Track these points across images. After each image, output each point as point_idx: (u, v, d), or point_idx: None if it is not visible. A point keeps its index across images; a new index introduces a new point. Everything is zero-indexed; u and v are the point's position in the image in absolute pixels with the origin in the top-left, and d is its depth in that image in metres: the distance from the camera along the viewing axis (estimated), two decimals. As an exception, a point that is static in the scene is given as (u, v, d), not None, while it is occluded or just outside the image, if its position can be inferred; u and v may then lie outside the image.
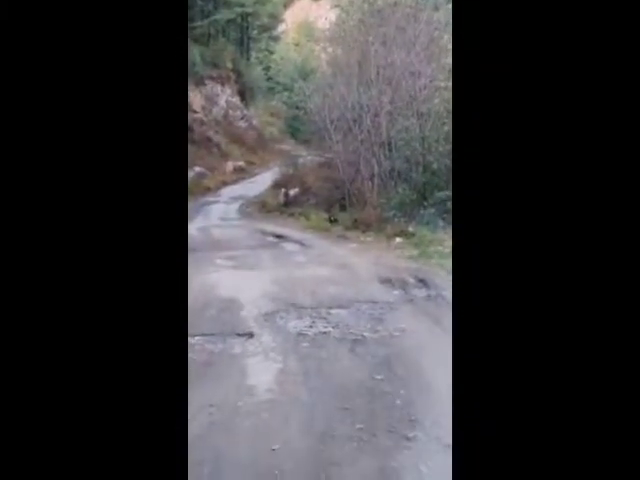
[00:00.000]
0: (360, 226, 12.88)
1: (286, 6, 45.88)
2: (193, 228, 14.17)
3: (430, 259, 8.66)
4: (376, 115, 15.75)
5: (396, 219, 12.39)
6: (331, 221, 14.76)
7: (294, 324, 5.79)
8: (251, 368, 4.57)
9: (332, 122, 16.28)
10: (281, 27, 36.41)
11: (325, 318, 5.95)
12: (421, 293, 6.91)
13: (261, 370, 4.50)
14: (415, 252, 9.52)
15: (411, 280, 7.58)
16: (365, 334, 5.31)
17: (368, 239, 11.59)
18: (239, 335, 5.43)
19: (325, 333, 5.42)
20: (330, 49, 20.80)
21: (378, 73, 15.77)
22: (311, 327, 5.67)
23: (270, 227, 14.67)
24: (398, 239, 10.75)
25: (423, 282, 7.39)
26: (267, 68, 35.45)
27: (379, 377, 4.33)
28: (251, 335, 5.41)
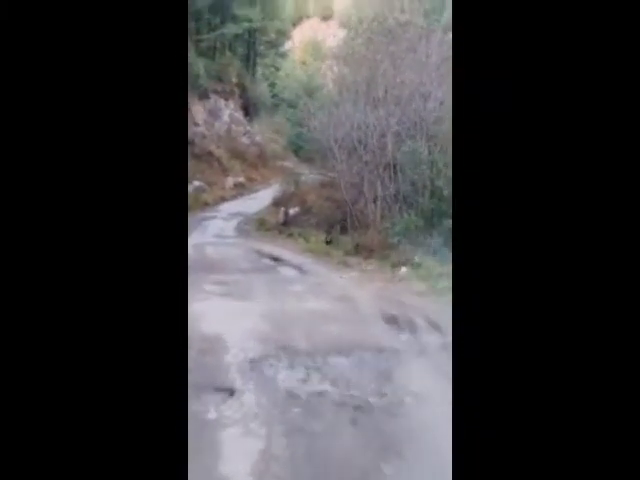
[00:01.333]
0: (362, 251, 11.87)
1: (295, 24, 45.31)
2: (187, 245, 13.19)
3: (440, 297, 7.63)
4: (382, 136, 14.80)
5: (401, 246, 11.37)
6: (327, 242, 13.78)
7: (284, 376, 4.76)
8: (226, 447, 3.53)
9: (336, 141, 15.33)
10: (288, 44, 35.71)
11: (321, 370, 4.92)
12: (434, 340, 5.87)
13: (238, 451, 3.46)
14: (423, 286, 8.50)
15: (421, 322, 6.55)
16: (370, 399, 4.27)
17: (370, 267, 10.57)
18: (217, 390, 4.40)
19: (321, 394, 4.38)
20: (337, 67, 19.95)
21: (386, 92, 14.86)
22: (305, 382, 4.63)
23: (267, 248, 13.66)
24: (403, 269, 9.73)
25: (435, 326, 6.36)
26: (272, 85, 34.63)
27: (387, 469, 3.29)
28: (232, 392, 4.37)
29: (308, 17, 49.34)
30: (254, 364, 5.01)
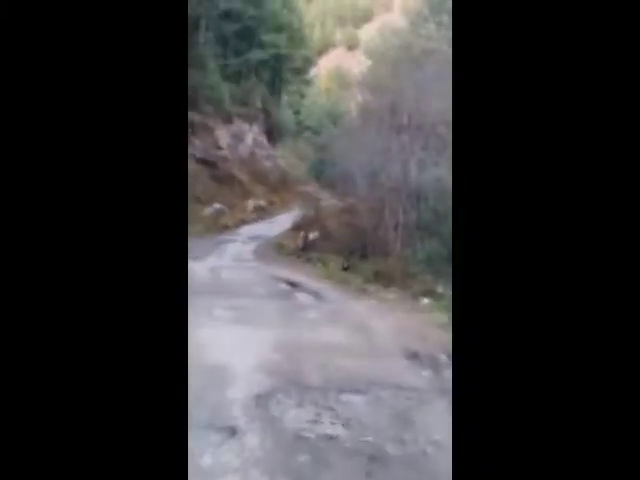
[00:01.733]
0: (382, 279, 11.37)
1: (320, 53, 45.53)
2: (204, 268, 12.81)
3: (465, 330, 7.08)
4: (405, 162, 14.41)
5: (422, 275, 10.87)
6: (345, 269, 13.31)
7: (293, 415, 4.26)
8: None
9: (358, 166, 14.96)
10: (314, 71, 35.70)
11: (334, 409, 4.41)
12: (457, 379, 5.33)
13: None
14: (445, 319, 7.95)
15: (444, 358, 6.01)
16: (387, 448, 3.75)
17: (390, 296, 10.06)
18: (217, 430, 3.92)
19: (333, 438, 3.87)
20: (361, 95, 19.72)
21: (410, 119, 14.48)
22: (315, 423, 4.14)
23: (285, 273, 13.22)
24: (425, 300, 9.20)
25: (459, 363, 5.81)
26: (297, 111, 34.59)
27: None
28: (233, 432, 3.89)
29: (334, 46, 49.60)
30: (260, 400, 4.53)
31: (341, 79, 35.41)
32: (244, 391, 4.70)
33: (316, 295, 10.19)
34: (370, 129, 15.33)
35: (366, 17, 54.28)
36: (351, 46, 48.51)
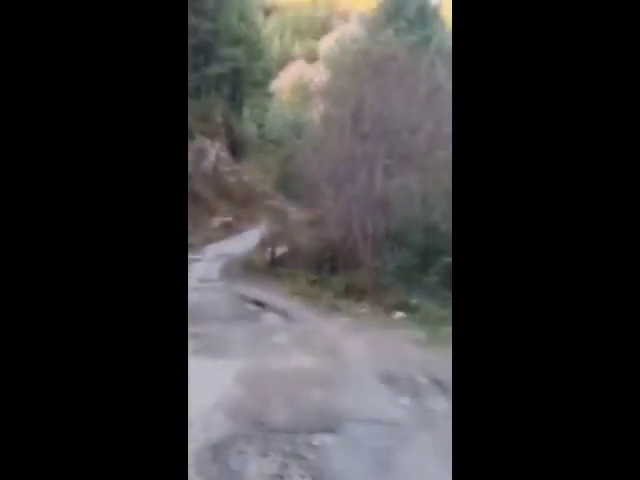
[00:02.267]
0: (353, 293, 10.80)
1: (281, 66, 45.10)
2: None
3: (443, 347, 6.54)
4: (371, 170, 13.91)
5: (394, 287, 10.33)
6: (314, 282, 12.74)
7: (256, 469, 3.63)
8: None
9: (323, 176, 14.41)
10: (275, 84, 35.20)
11: (303, 457, 3.79)
12: (441, 405, 4.77)
13: None
14: (422, 334, 7.41)
15: (424, 381, 5.45)
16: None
17: (362, 310, 9.49)
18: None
19: (301, 498, 3.26)
20: (322, 105, 19.20)
21: (374, 126, 13.99)
22: (280, 478, 3.51)
23: (252, 291, 12.56)
24: (399, 313, 8.66)
25: (440, 386, 5.26)
26: (260, 125, 33.98)
27: None
28: (182, 498, 3.23)
29: (294, 59, 49.27)
30: (218, 450, 3.89)
31: (303, 91, 34.97)
32: (199, 439, 4.05)
33: (284, 315, 9.56)
34: (333, 138, 14.79)
35: (324, 29, 54.12)
36: (311, 58, 48.22)
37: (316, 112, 20.12)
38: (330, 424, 4.34)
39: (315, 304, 10.39)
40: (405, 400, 4.95)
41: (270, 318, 9.47)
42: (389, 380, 5.51)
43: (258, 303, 11.04)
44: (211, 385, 5.28)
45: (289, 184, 26.38)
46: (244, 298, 11.77)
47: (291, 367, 5.97)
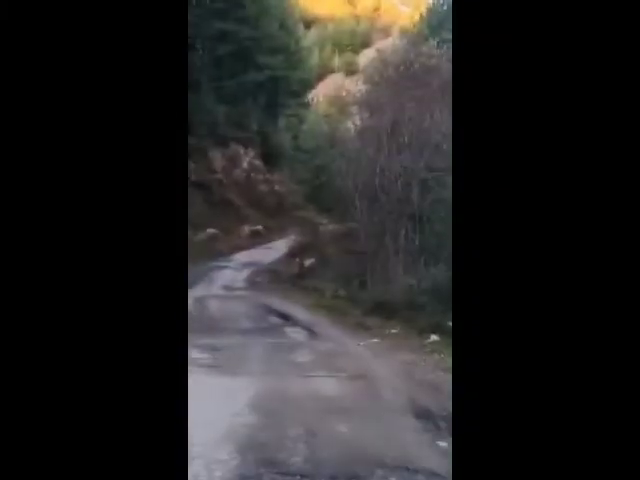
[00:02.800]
0: (383, 311, 10.05)
1: (319, 79, 44.77)
2: (190, 298, 11.49)
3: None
4: (408, 183, 13.19)
5: (428, 307, 9.54)
6: (336, 297, 12.06)
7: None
8: None
9: (357, 188, 13.72)
10: (311, 94, 34.80)
11: (323, 515, 3.08)
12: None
13: None
14: (460, 362, 6.59)
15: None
16: None
17: (393, 331, 8.73)
18: None
19: None
20: (359, 116, 18.56)
21: (412, 138, 13.28)
22: None
23: (277, 302, 11.91)
24: (434, 337, 7.87)
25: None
26: (295, 136, 33.44)
27: None
28: None
29: (333, 72, 48.94)
30: (220, 497, 3.20)
31: (340, 103, 34.47)
32: (198, 477, 3.37)
33: (309, 331, 8.87)
34: (369, 149, 14.12)
35: (365, 43, 53.69)
36: (350, 71, 47.77)
37: (352, 124, 19.44)
38: (355, 469, 3.62)
39: (342, 321, 9.68)
40: (444, 443, 4.20)
41: (294, 333, 8.79)
42: (425, 417, 4.76)
43: (282, 315, 10.39)
44: (221, 411, 4.61)
45: (321, 195, 25.83)
46: (268, 309, 11.14)
47: (313, 393, 5.27)
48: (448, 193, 11.90)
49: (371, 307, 10.46)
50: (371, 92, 16.82)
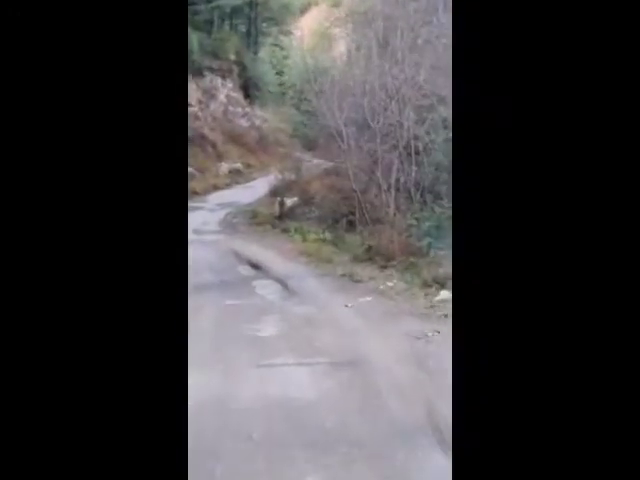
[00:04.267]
0: (377, 258, 7.99)
1: (302, 12, 41.31)
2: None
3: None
4: (403, 103, 10.87)
5: (432, 251, 7.50)
6: (320, 240, 10.08)
7: None
8: None
9: (342, 111, 11.36)
10: (295, 27, 31.60)
11: None
12: None
13: None
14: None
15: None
16: None
17: (390, 284, 6.68)
18: None
19: None
20: (347, 32, 16.03)
21: (404, 54, 10.85)
22: None
23: (251, 248, 9.85)
24: (445, 293, 5.79)
25: None
26: (279, 72, 30.45)
27: None
28: None
29: (317, 4, 45.41)
30: None
31: (325, 35, 31.45)
32: None
33: (284, 285, 6.82)
34: (355, 66, 11.75)
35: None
36: (334, 3, 44.15)
37: (341, 40, 16.85)
38: None
39: (327, 271, 7.62)
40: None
41: (265, 289, 6.73)
42: (440, 435, 2.74)
43: (254, 265, 8.33)
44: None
45: (305, 130, 23.45)
46: (238, 257, 9.07)
47: (274, 399, 3.23)
48: (447, 113, 9.66)
49: (361, 253, 8.40)
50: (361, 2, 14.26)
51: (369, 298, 5.95)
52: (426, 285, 6.24)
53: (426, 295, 5.89)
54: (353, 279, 6.98)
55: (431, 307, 5.48)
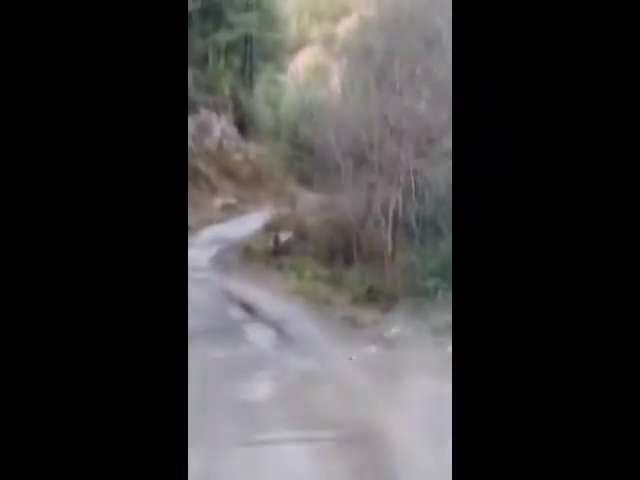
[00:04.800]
0: (379, 298, 7.30)
1: (298, 49, 41.56)
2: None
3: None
4: (399, 140, 10.32)
5: (440, 292, 6.81)
6: (316, 278, 9.44)
7: None
8: None
9: (339, 144, 10.79)
10: (290, 63, 31.51)
11: None
12: None
13: None
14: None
15: None
16: None
17: (396, 330, 5.95)
18: None
19: None
20: (346, 61, 15.60)
21: (412, 77, 10.36)
22: None
23: (244, 287, 9.13)
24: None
25: None
26: (275, 105, 30.20)
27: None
28: None
29: (312, 43, 45.77)
30: None
31: (321, 70, 31.40)
32: None
33: (279, 330, 6.09)
34: (352, 99, 11.26)
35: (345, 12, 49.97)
36: (328, 42, 44.51)
37: (338, 72, 16.44)
38: None
39: (325, 314, 6.89)
40: None
41: (257, 334, 6.00)
42: None
43: (246, 307, 7.61)
44: None
45: (301, 165, 22.98)
46: (230, 298, 8.35)
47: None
48: (448, 146, 9.08)
49: (361, 293, 7.70)
50: (358, 36, 13.86)
51: (374, 348, 5.21)
52: (437, 332, 5.52)
53: (439, 345, 5.16)
54: (354, 323, 6.25)
55: (447, 361, 4.75)
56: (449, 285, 6.75)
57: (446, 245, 7.93)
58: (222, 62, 23.49)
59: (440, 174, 9.46)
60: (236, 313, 7.32)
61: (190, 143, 21.17)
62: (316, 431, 3.23)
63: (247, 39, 24.54)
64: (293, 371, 4.47)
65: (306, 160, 20.63)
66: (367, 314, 6.65)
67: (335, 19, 48.29)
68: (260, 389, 4.02)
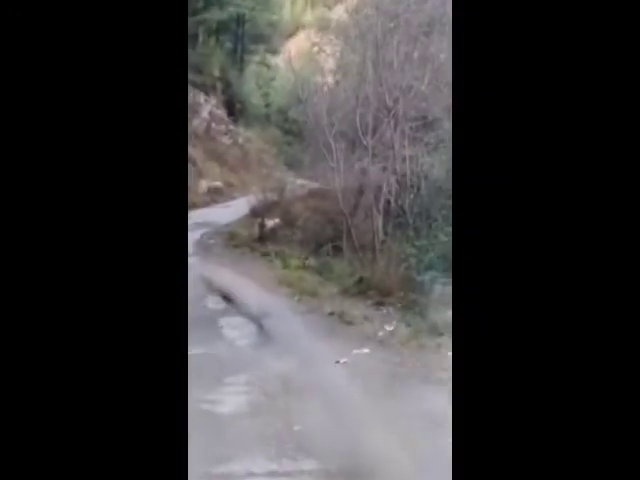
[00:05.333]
0: (370, 292, 6.64)
1: (290, 35, 40.55)
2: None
3: None
4: (396, 121, 9.62)
5: (438, 287, 6.16)
6: (304, 267, 8.78)
7: None
8: None
9: (330, 129, 10.06)
10: (281, 42, 30.51)
11: None
12: None
13: None
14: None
15: None
16: None
17: (390, 328, 5.30)
18: None
19: None
20: (338, 48, 14.84)
21: (408, 58, 9.64)
22: None
23: (225, 274, 8.43)
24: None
25: None
26: (266, 93, 29.20)
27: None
28: None
29: (305, 27, 44.78)
30: None
31: (314, 55, 30.44)
32: None
33: (259, 326, 5.41)
34: (347, 78, 10.53)
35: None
36: (322, 27, 43.51)
37: (331, 57, 15.65)
38: None
39: (311, 307, 6.22)
40: None
41: (233, 330, 5.32)
42: None
43: (225, 297, 6.91)
44: None
45: (291, 151, 22.20)
46: (210, 285, 7.65)
47: None
48: (446, 133, 8.42)
49: (351, 285, 7.03)
50: (353, 19, 13.08)
51: (366, 350, 4.54)
52: (435, 332, 4.88)
53: (438, 347, 4.51)
54: (344, 319, 5.58)
55: (444, 363, 4.10)
56: (446, 279, 6.12)
57: (443, 237, 7.28)
58: (212, 42, 22.62)
59: (437, 162, 8.81)
60: (213, 304, 6.63)
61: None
62: (295, 461, 2.55)
63: (239, 19, 23.61)
64: (271, 377, 3.79)
65: (296, 145, 19.90)
66: (357, 309, 5.97)
67: (330, 4, 47.23)
68: (230, 399, 3.34)
